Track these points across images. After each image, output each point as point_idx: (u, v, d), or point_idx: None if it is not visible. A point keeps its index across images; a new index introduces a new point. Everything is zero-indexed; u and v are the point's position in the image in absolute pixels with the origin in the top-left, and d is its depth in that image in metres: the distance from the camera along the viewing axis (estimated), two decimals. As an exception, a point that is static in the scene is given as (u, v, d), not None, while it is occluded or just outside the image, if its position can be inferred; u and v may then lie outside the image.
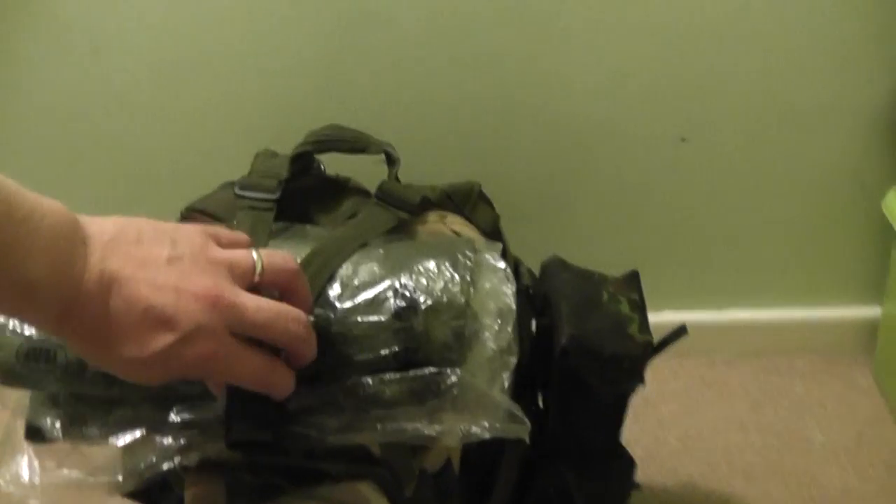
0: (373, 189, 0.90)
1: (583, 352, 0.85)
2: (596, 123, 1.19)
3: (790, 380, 1.32)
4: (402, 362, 0.71)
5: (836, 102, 1.18)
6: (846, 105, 1.18)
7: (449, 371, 0.70)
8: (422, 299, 0.71)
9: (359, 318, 0.71)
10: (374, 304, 0.71)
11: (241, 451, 0.71)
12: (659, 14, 1.13)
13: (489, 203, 0.91)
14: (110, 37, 1.15)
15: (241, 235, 0.69)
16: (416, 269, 0.73)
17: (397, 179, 0.87)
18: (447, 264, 0.73)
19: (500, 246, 0.78)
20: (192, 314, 0.60)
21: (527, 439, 0.73)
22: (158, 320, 0.59)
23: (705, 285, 1.32)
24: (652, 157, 1.22)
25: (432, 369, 0.70)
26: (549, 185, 1.24)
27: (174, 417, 0.72)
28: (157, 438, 0.71)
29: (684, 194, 1.25)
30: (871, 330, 1.32)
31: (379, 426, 0.70)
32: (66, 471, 0.73)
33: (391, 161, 0.86)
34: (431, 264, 0.73)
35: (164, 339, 0.60)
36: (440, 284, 0.72)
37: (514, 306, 0.74)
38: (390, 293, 0.72)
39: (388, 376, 0.70)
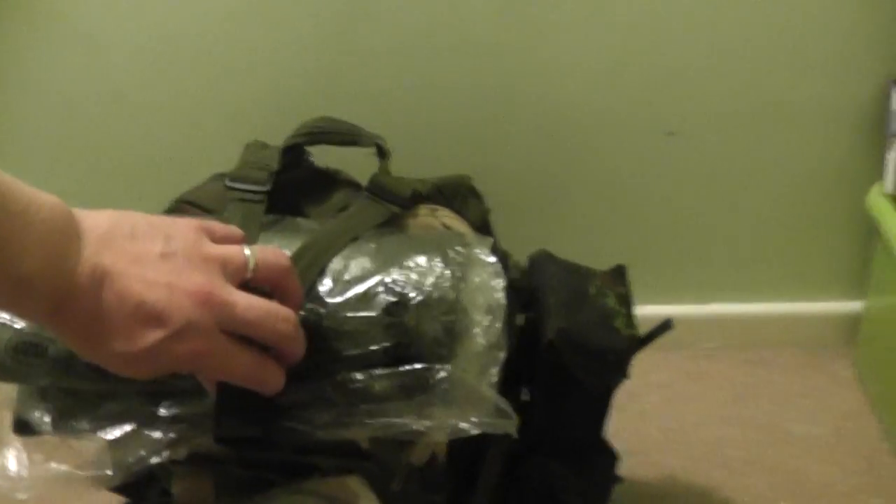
0: (363, 182, 0.90)
1: (570, 345, 0.86)
2: (584, 117, 1.20)
3: (772, 373, 1.33)
4: (393, 357, 0.71)
5: (822, 100, 1.18)
6: (832, 103, 1.19)
7: (438, 366, 0.71)
8: (412, 295, 0.71)
9: (349, 314, 0.71)
10: (365, 299, 0.72)
11: (230, 446, 0.71)
12: (648, 10, 1.13)
13: (479, 197, 0.91)
14: (103, 28, 1.15)
15: (235, 230, 0.69)
16: (406, 264, 0.73)
17: (388, 172, 0.87)
18: (438, 259, 0.74)
19: (490, 240, 0.78)
20: (183, 311, 0.60)
21: (514, 434, 0.73)
22: (149, 316, 0.60)
23: (689, 279, 1.33)
24: (639, 151, 1.22)
25: (422, 365, 0.71)
26: (536, 179, 1.24)
27: (164, 412, 0.72)
28: (147, 432, 0.72)
29: (670, 188, 1.25)
30: (852, 324, 1.33)
31: (368, 421, 0.70)
32: (54, 464, 0.73)
33: (382, 154, 0.86)
34: (422, 259, 0.74)
35: (154, 335, 0.60)
36: (431, 280, 0.72)
37: (503, 302, 0.75)
38: (381, 288, 0.72)
39: (378, 371, 0.71)
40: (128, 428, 0.72)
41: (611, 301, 0.90)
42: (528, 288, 0.92)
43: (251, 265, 0.64)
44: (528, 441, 0.90)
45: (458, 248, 0.75)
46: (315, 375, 0.70)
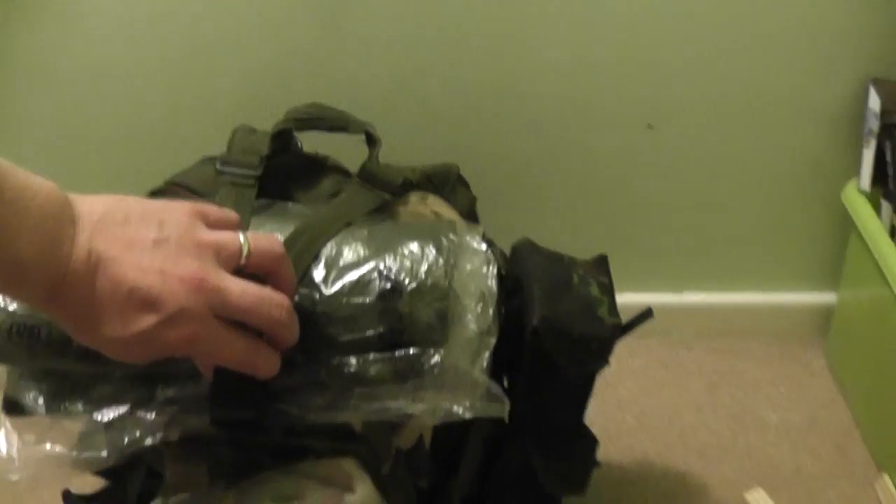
0: (351, 168, 0.91)
1: (553, 333, 0.87)
2: (565, 108, 1.20)
3: (745, 362, 1.35)
4: (387, 343, 0.72)
5: (801, 97, 1.20)
6: (810, 99, 1.20)
7: (432, 351, 0.72)
8: (406, 282, 0.72)
9: (344, 300, 0.72)
10: (359, 285, 0.72)
11: (225, 429, 0.72)
12: (631, 6, 1.14)
13: (466, 185, 0.92)
14: (88, 7, 1.13)
15: (230, 213, 0.70)
16: (400, 251, 0.74)
17: (377, 160, 0.87)
18: (431, 247, 0.75)
19: (481, 228, 0.79)
20: (176, 296, 0.61)
21: (506, 418, 0.75)
22: (143, 301, 0.60)
23: (665, 268, 1.35)
24: (619, 143, 1.23)
25: (415, 350, 0.72)
26: (517, 169, 1.25)
27: (157, 394, 0.72)
28: (141, 414, 0.72)
29: (648, 179, 1.27)
30: (825, 315, 1.35)
31: (362, 405, 0.71)
32: (48, 445, 0.73)
33: (372, 141, 0.86)
34: (415, 246, 0.74)
35: (147, 320, 0.61)
36: (424, 267, 0.73)
37: (495, 289, 0.76)
38: (375, 275, 0.73)
39: (373, 356, 0.72)
40: (122, 410, 0.72)
41: (594, 290, 0.91)
42: (512, 276, 0.93)
43: (245, 252, 0.65)
44: (510, 426, 0.92)
45: (451, 236, 0.76)
46: (310, 360, 0.71)
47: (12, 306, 0.72)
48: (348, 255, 0.74)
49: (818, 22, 1.15)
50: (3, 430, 0.76)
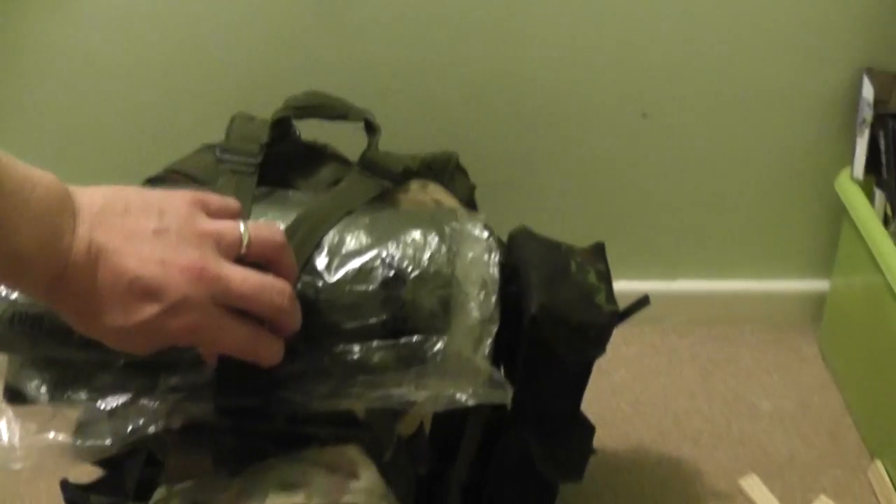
0: (349, 156, 0.91)
1: (552, 320, 0.87)
2: (560, 97, 1.21)
3: (738, 349, 1.36)
4: (390, 330, 0.72)
5: (795, 86, 1.21)
6: (804, 89, 1.21)
7: (435, 338, 0.72)
8: (409, 269, 0.73)
9: (347, 288, 0.72)
10: (362, 273, 0.73)
11: (230, 416, 0.72)
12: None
13: (465, 173, 0.92)
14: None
15: (231, 202, 0.70)
16: (402, 239, 0.74)
17: (377, 148, 0.87)
18: (433, 234, 0.75)
19: (482, 216, 0.79)
20: (177, 286, 0.61)
21: (509, 405, 0.75)
22: (144, 291, 0.60)
23: (659, 256, 1.35)
24: (614, 131, 1.23)
25: (418, 337, 0.72)
26: (512, 157, 1.25)
27: (161, 382, 0.72)
28: (144, 402, 0.72)
29: (642, 168, 1.27)
30: (817, 303, 1.36)
31: (366, 392, 0.72)
32: (51, 434, 0.73)
33: (372, 129, 0.86)
34: (417, 234, 0.75)
35: (149, 310, 0.61)
36: (427, 255, 0.74)
37: (497, 276, 0.76)
38: (378, 263, 0.73)
39: (376, 343, 0.72)
40: (125, 398, 0.72)
41: (591, 277, 0.92)
42: (510, 264, 0.93)
43: (245, 241, 0.65)
44: (507, 413, 0.92)
45: (453, 224, 0.76)
46: (313, 347, 0.72)
47: (13, 295, 0.72)
48: (351, 242, 0.74)
49: (813, 12, 1.15)
50: (4, 418, 0.76)
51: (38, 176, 0.59)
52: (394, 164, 0.84)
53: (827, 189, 1.24)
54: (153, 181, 0.85)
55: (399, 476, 0.79)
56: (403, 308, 0.72)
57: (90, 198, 0.61)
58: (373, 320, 0.72)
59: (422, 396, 0.72)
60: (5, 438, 0.75)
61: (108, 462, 0.87)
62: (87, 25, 1.14)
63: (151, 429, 0.72)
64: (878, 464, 1.17)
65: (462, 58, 1.18)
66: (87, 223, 0.60)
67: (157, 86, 1.19)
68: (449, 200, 0.85)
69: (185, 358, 0.71)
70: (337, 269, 0.73)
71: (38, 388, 0.74)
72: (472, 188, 0.92)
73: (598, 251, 0.95)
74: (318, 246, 0.74)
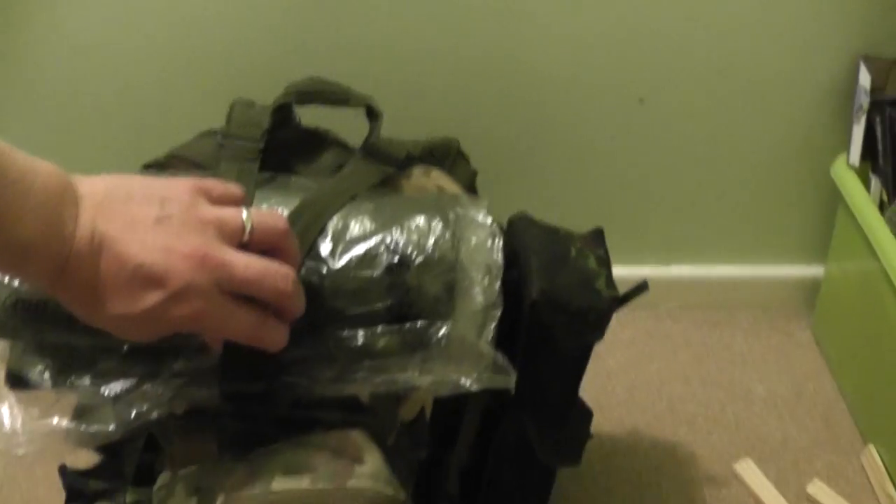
0: (350, 142, 0.91)
1: (552, 306, 0.87)
2: (557, 82, 1.21)
3: (733, 334, 1.36)
4: (395, 315, 0.72)
5: (791, 71, 1.21)
6: (800, 74, 1.21)
7: (439, 323, 0.72)
8: (414, 255, 0.73)
9: (351, 273, 0.72)
10: (367, 259, 0.73)
11: (234, 402, 0.72)
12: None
13: (466, 159, 0.92)
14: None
15: (234, 188, 0.69)
16: (406, 224, 0.74)
17: (379, 133, 0.87)
18: (437, 220, 0.75)
19: (485, 202, 0.79)
20: (181, 273, 0.61)
21: (513, 390, 0.75)
22: (148, 279, 0.61)
23: (654, 241, 1.36)
24: (610, 117, 1.24)
25: (423, 322, 0.72)
26: (508, 142, 1.25)
27: (165, 367, 0.72)
28: (148, 387, 0.72)
29: (638, 153, 1.27)
30: (811, 288, 1.36)
31: (371, 377, 0.72)
32: (55, 419, 0.73)
33: (374, 115, 0.86)
34: (422, 220, 0.75)
35: (153, 297, 0.61)
36: (431, 240, 0.74)
37: (501, 262, 0.76)
38: (382, 248, 0.73)
39: (381, 329, 0.72)
40: (129, 383, 0.72)
41: (591, 262, 0.92)
42: (509, 249, 0.93)
43: (248, 228, 0.65)
44: (506, 399, 0.92)
45: (457, 210, 0.76)
46: (318, 333, 0.72)
47: (16, 281, 0.72)
48: (355, 228, 0.74)
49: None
50: (6, 404, 0.76)
51: (39, 165, 0.59)
52: (396, 150, 0.84)
53: (823, 176, 1.25)
54: (153, 167, 0.85)
55: (401, 461, 0.80)
56: (408, 294, 0.72)
57: (92, 186, 0.62)
58: (378, 306, 0.72)
59: (426, 381, 0.72)
60: (7, 424, 0.75)
61: (106, 447, 0.87)
62: (82, 9, 1.14)
63: (155, 414, 0.72)
64: (871, 448, 1.18)
65: (459, 44, 1.17)
66: (89, 212, 0.60)
67: (152, 72, 1.18)
68: (451, 186, 0.85)
69: (190, 343, 0.71)
70: (341, 254, 0.73)
71: (41, 373, 0.74)
72: (474, 174, 0.92)
73: (598, 236, 0.95)
74: (322, 232, 0.74)
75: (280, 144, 0.86)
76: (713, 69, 1.20)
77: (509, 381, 0.75)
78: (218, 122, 0.93)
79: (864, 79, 1.16)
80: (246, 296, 0.65)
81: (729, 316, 1.39)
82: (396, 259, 0.73)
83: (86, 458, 0.88)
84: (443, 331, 0.72)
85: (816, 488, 1.14)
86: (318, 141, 0.89)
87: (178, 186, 0.65)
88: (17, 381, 0.75)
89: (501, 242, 0.77)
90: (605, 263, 0.93)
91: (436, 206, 0.77)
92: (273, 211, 0.74)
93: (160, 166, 0.84)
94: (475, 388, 0.73)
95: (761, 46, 1.19)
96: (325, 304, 0.72)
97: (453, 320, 0.73)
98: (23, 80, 1.18)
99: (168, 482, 0.72)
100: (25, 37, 1.15)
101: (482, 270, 0.75)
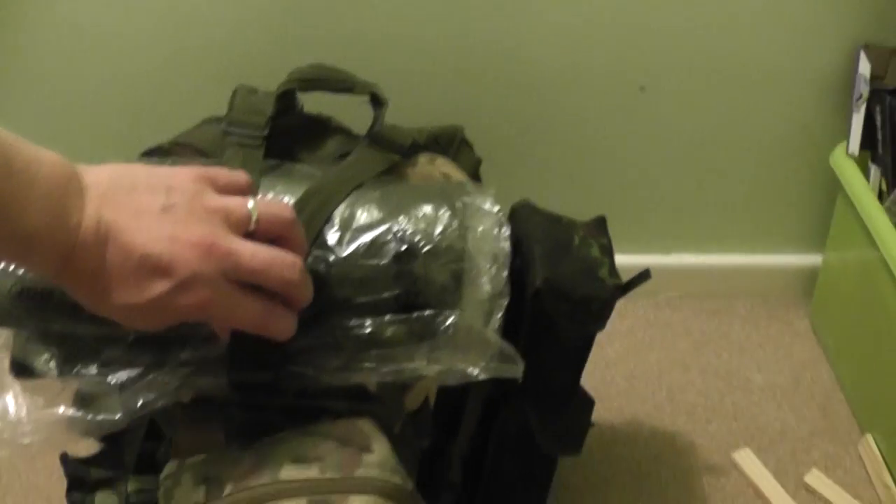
0: (353, 129, 0.90)
1: (555, 294, 0.87)
2: (558, 70, 1.20)
3: (731, 323, 1.37)
4: (402, 305, 0.72)
5: (791, 60, 1.21)
6: (800, 62, 1.21)
7: (447, 312, 0.72)
8: (421, 244, 0.73)
9: (359, 262, 0.72)
10: (374, 247, 0.72)
11: (242, 391, 0.72)
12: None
13: (471, 147, 0.92)
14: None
15: (240, 176, 0.69)
16: (413, 213, 0.74)
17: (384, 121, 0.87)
18: (444, 208, 0.75)
19: (492, 190, 0.79)
20: (187, 262, 0.61)
21: (520, 379, 0.75)
22: (154, 268, 0.60)
23: (653, 230, 1.36)
24: (611, 105, 1.23)
25: (431, 311, 0.72)
26: (510, 130, 1.25)
27: (172, 356, 0.72)
28: (155, 376, 0.72)
29: (639, 142, 1.27)
30: (809, 277, 1.37)
31: (378, 366, 0.72)
32: (61, 408, 0.73)
33: (378, 102, 0.85)
34: (429, 208, 0.74)
35: (159, 287, 0.61)
36: (439, 229, 0.73)
37: (508, 250, 0.76)
38: (390, 237, 0.73)
39: (388, 318, 0.72)
40: (136, 372, 0.72)
41: (594, 251, 0.92)
42: (512, 238, 0.93)
43: (254, 217, 0.65)
44: (508, 387, 0.93)
45: (464, 198, 0.76)
46: (325, 322, 0.71)
47: (21, 270, 0.71)
48: (362, 216, 0.74)
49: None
50: (10, 393, 0.75)
51: (44, 155, 0.59)
52: (402, 138, 0.83)
53: (822, 165, 1.25)
54: (155, 153, 0.85)
55: (406, 449, 0.80)
56: (416, 283, 0.72)
57: (96, 176, 0.61)
58: (385, 294, 0.72)
59: (434, 371, 0.72)
60: (12, 413, 0.74)
61: (107, 435, 0.87)
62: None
63: (161, 403, 0.72)
64: (869, 438, 1.18)
65: (459, 32, 1.17)
66: (94, 202, 0.60)
67: (152, 58, 1.17)
68: (457, 174, 0.85)
69: (197, 332, 0.71)
70: (348, 243, 0.72)
71: (46, 362, 0.73)
72: (478, 162, 0.92)
73: (600, 225, 0.95)
74: (328, 220, 0.74)
75: (283, 131, 0.85)
76: (714, 57, 1.20)
77: (517, 370, 0.74)
78: (218, 109, 0.93)
79: (864, 67, 1.16)
80: (253, 285, 0.65)
81: (728, 305, 1.39)
82: (404, 247, 0.72)
83: (85, 446, 0.88)
84: (450, 320, 0.72)
85: (814, 478, 1.15)
86: (321, 128, 0.89)
87: (184, 175, 0.64)
88: (22, 370, 0.75)
89: (508, 230, 0.77)
90: (608, 252, 0.93)
91: (443, 194, 0.76)
92: (279, 200, 0.74)
93: (164, 153, 0.83)
94: (483, 377, 0.73)
95: (762, 35, 1.19)
96: (332, 293, 0.71)
97: (460, 309, 0.73)
98: (19, 66, 1.17)
99: (174, 471, 0.71)
100: (22, 22, 1.14)
101: (489, 259, 0.75)
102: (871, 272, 1.15)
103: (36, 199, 0.57)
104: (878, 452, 1.16)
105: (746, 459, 1.17)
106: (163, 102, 1.19)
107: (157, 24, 1.15)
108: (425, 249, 0.72)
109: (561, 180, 1.29)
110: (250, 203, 0.65)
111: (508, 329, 0.94)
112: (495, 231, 0.76)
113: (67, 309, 0.70)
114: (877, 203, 1.14)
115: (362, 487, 0.68)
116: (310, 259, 0.72)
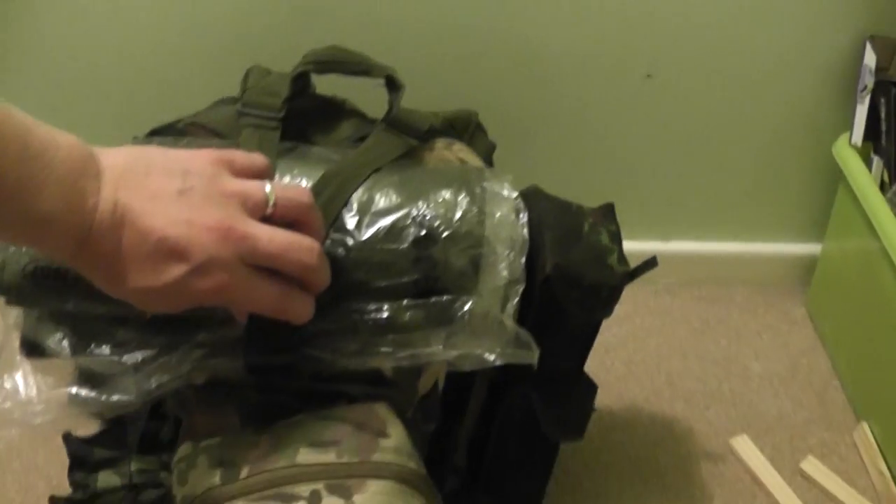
0: (367, 112, 0.90)
1: (565, 281, 0.87)
2: (565, 57, 1.20)
3: (729, 310, 1.37)
4: (421, 289, 0.72)
5: (797, 49, 1.21)
6: (806, 52, 1.21)
7: (465, 298, 0.72)
8: (441, 229, 0.73)
9: (378, 246, 0.72)
10: (393, 231, 0.72)
11: (258, 374, 0.71)
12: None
13: (485, 132, 0.92)
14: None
15: (258, 158, 0.68)
16: (433, 197, 0.74)
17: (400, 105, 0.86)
18: (463, 194, 0.75)
19: (509, 176, 0.79)
20: (204, 246, 0.61)
21: (535, 365, 0.75)
22: (171, 251, 0.60)
23: (653, 216, 1.36)
24: (617, 92, 1.23)
25: (449, 296, 0.72)
26: (514, 116, 1.24)
27: (186, 338, 0.72)
28: (169, 358, 0.71)
29: (643, 129, 1.27)
30: (807, 266, 1.37)
31: (395, 350, 0.72)
32: (74, 388, 0.72)
33: (395, 86, 0.85)
34: (448, 193, 0.74)
35: (177, 270, 0.60)
36: (458, 214, 0.73)
37: (525, 236, 0.76)
38: (409, 221, 0.73)
39: (406, 302, 0.72)
40: (150, 353, 0.71)
41: (604, 238, 0.92)
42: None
43: (271, 201, 0.64)
44: (512, 372, 0.93)
45: (483, 184, 0.76)
46: (342, 305, 0.71)
47: (36, 248, 0.71)
48: (380, 201, 0.74)
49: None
50: (21, 372, 0.75)
51: (61, 138, 0.58)
52: (419, 122, 0.83)
53: (824, 154, 1.25)
54: (168, 132, 0.84)
55: (417, 433, 0.80)
56: (435, 268, 0.72)
57: (113, 159, 0.61)
58: (404, 279, 0.72)
59: (450, 356, 0.73)
60: (23, 392, 0.74)
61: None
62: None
63: (176, 384, 0.72)
64: (864, 425, 1.19)
65: (464, 18, 1.16)
66: (111, 185, 0.59)
67: (159, 37, 1.16)
68: (473, 159, 0.85)
69: (214, 314, 0.70)
70: (367, 227, 0.72)
71: (59, 341, 0.73)
72: (492, 147, 0.92)
73: (609, 211, 0.95)
74: (346, 204, 0.73)
75: (297, 113, 0.85)
76: (719, 46, 1.20)
77: (532, 356, 0.75)
78: (225, 90, 0.93)
79: (870, 59, 1.16)
80: (270, 269, 0.64)
81: (726, 292, 1.39)
82: (423, 232, 0.72)
83: (88, 426, 0.88)
84: (468, 306, 0.72)
85: (810, 465, 1.15)
86: (335, 110, 0.88)
87: (200, 158, 0.64)
88: (33, 350, 0.74)
89: (526, 217, 0.77)
90: (617, 239, 0.93)
91: (461, 179, 0.76)
92: (296, 184, 0.74)
93: (178, 132, 0.83)
94: (499, 362, 0.73)
95: (768, 24, 1.18)
96: (349, 277, 0.71)
97: (478, 295, 0.73)
98: (28, 45, 1.16)
99: (189, 454, 0.71)
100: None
101: (507, 245, 0.75)
102: (871, 262, 1.16)
103: (52, 183, 0.56)
104: (873, 440, 1.17)
105: (744, 446, 1.17)
106: (171, 81, 1.18)
107: (170, 4, 1.14)
108: (445, 234, 0.72)
109: (562, 165, 1.29)
110: (267, 187, 0.65)
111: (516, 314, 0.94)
112: (513, 217, 0.76)
113: (82, 288, 0.69)
114: (879, 194, 1.15)
115: (379, 472, 0.69)
116: (328, 243, 0.71)
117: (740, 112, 1.26)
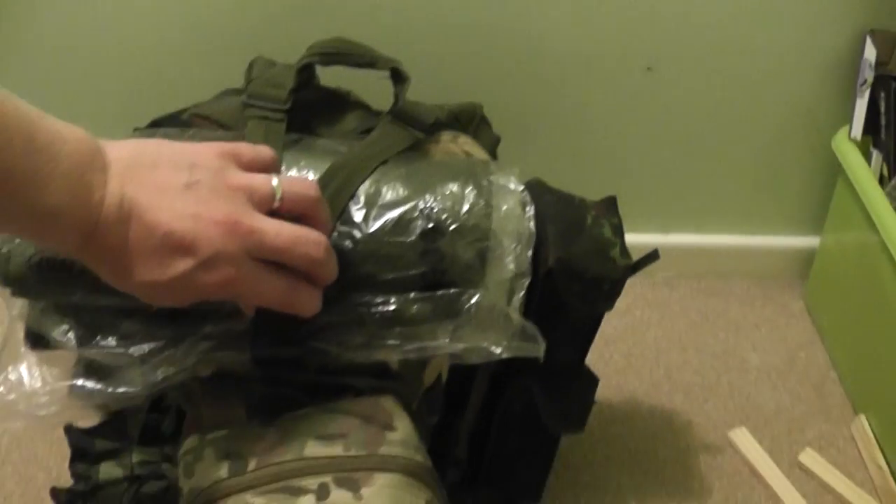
0: (372, 104, 0.89)
1: (568, 274, 0.87)
2: (565, 49, 1.20)
3: (727, 303, 1.37)
4: (428, 282, 0.72)
5: (797, 43, 1.21)
6: (806, 46, 1.21)
7: (471, 291, 0.72)
8: (448, 221, 0.72)
9: (385, 239, 0.72)
10: (401, 224, 0.72)
11: (264, 367, 0.71)
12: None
13: (489, 125, 0.92)
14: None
15: (265, 151, 0.68)
16: (440, 190, 0.74)
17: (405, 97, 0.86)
18: (470, 187, 0.74)
19: (516, 169, 0.79)
20: (210, 240, 0.60)
21: (541, 358, 0.75)
22: (178, 245, 0.60)
23: (652, 209, 1.36)
24: (617, 85, 1.23)
25: (455, 289, 0.72)
26: (515, 109, 1.24)
27: (193, 330, 0.71)
28: (175, 350, 0.71)
29: (643, 122, 1.27)
30: (805, 259, 1.38)
31: (402, 343, 0.72)
32: (80, 380, 0.72)
33: (400, 78, 0.84)
34: (455, 186, 0.74)
35: (183, 264, 0.60)
36: (465, 207, 0.73)
37: (532, 230, 0.76)
38: (416, 214, 0.73)
39: (413, 295, 0.72)
40: (156, 345, 0.71)
41: (606, 231, 0.92)
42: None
43: (278, 195, 0.64)
44: (513, 365, 0.93)
45: (489, 177, 0.76)
46: (349, 298, 0.71)
47: (42, 241, 0.70)
48: (387, 193, 0.73)
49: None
50: (25, 363, 0.74)
51: (68, 131, 0.58)
52: (425, 115, 0.83)
53: (823, 148, 1.26)
54: (172, 123, 0.84)
55: (421, 426, 0.80)
56: (442, 261, 0.72)
57: (119, 152, 0.61)
58: (411, 272, 0.72)
59: (457, 349, 0.72)
60: (28, 384, 0.74)
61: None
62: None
63: (182, 377, 0.71)
64: (862, 418, 1.19)
65: (467, 12, 1.16)
66: (117, 178, 0.59)
67: (161, 26, 1.15)
68: (479, 152, 0.85)
69: (220, 307, 0.70)
70: (374, 219, 0.72)
71: (64, 333, 0.73)
72: (497, 140, 0.92)
73: (611, 204, 0.95)
74: (353, 197, 0.73)
75: (302, 105, 0.84)
76: (720, 39, 1.20)
77: (538, 349, 0.75)
78: (227, 82, 0.92)
79: (870, 53, 1.16)
80: (277, 262, 0.64)
81: (725, 285, 1.40)
82: (431, 225, 0.72)
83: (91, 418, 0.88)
84: (474, 299, 0.72)
85: (808, 457, 1.16)
86: (340, 102, 0.88)
87: (207, 151, 0.64)
88: (38, 341, 0.74)
89: (533, 210, 0.77)
90: (620, 232, 0.93)
91: (468, 172, 0.76)
92: (303, 178, 0.73)
93: (183, 124, 0.82)
94: (505, 355, 0.73)
95: (768, 18, 1.18)
96: (356, 270, 0.71)
97: (484, 288, 0.73)
98: (30, 36, 1.15)
99: (196, 446, 0.71)
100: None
101: (514, 238, 0.75)
102: (869, 255, 1.17)
103: (58, 176, 0.56)
104: (870, 433, 1.17)
105: (742, 438, 1.18)
106: (172, 73, 1.17)
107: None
108: (452, 227, 0.72)
109: (563, 158, 1.29)
110: (275, 181, 0.65)
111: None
112: (519, 210, 0.76)
113: (87, 280, 0.69)
114: (878, 188, 1.15)
115: (386, 465, 0.69)
116: (335, 235, 0.71)
117: (740, 105, 1.26)
